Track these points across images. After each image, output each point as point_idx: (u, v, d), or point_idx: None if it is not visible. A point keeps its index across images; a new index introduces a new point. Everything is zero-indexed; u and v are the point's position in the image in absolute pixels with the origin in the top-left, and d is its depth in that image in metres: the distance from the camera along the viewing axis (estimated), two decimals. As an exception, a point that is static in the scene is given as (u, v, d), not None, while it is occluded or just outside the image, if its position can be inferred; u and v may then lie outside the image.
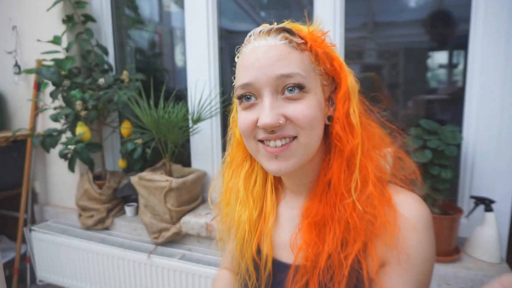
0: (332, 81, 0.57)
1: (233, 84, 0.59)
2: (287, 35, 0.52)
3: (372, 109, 0.59)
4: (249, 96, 0.53)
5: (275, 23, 0.55)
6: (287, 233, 0.61)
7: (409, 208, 0.53)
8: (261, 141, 0.53)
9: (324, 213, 0.54)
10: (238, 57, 0.57)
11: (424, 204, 0.55)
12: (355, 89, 0.56)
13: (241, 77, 0.53)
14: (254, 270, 0.64)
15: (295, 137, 0.52)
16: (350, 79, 0.55)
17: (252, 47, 0.53)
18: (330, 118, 0.57)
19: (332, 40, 0.57)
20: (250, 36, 0.55)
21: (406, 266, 0.51)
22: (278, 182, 0.68)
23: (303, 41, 0.52)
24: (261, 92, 0.51)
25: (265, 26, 0.54)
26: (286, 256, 0.60)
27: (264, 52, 0.51)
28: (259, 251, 0.64)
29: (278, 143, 0.51)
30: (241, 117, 0.54)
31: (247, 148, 0.58)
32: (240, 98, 0.54)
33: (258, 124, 0.51)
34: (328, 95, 0.57)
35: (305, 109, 0.51)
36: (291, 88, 0.50)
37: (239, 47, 0.57)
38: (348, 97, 0.55)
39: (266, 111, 0.50)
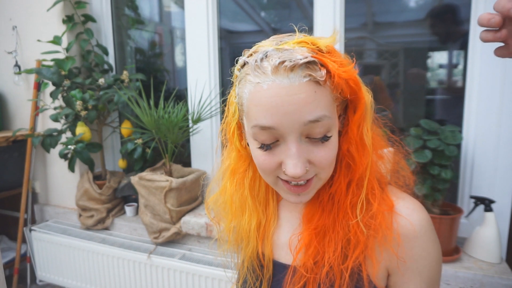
0: (345, 98, 0.53)
1: (231, 97, 0.56)
2: (311, 72, 0.45)
3: (376, 116, 0.58)
4: (270, 145, 0.49)
5: (288, 41, 0.49)
6: (287, 234, 0.61)
7: (410, 214, 0.53)
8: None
9: (325, 223, 0.54)
10: (239, 70, 0.52)
11: (423, 208, 0.55)
12: (371, 110, 0.53)
13: (261, 118, 0.47)
14: (256, 271, 0.64)
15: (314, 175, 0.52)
16: (368, 99, 0.52)
17: (271, 84, 0.45)
18: (340, 133, 0.55)
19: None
20: (262, 60, 0.47)
21: (411, 274, 0.53)
22: None
23: (325, 71, 0.47)
24: (285, 137, 0.48)
25: (281, 51, 0.47)
26: (285, 257, 0.61)
27: (289, 95, 0.45)
28: (262, 253, 0.65)
29: (301, 182, 0.51)
30: (261, 158, 0.51)
31: (264, 179, 0.56)
32: (257, 139, 0.50)
33: (285, 172, 0.49)
34: (340, 112, 0.53)
35: (328, 153, 0.49)
36: (318, 137, 0.48)
37: (238, 59, 0.52)
38: (364, 118, 0.52)
39: (293, 161, 0.47)
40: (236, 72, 0.52)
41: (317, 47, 0.49)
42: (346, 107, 0.55)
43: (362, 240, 0.51)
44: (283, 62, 0.45)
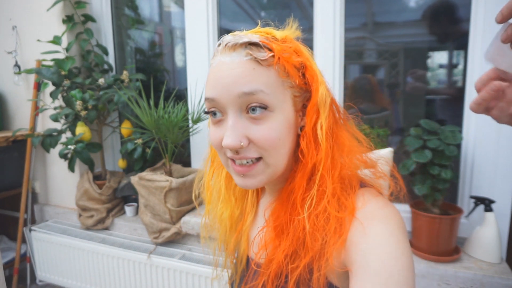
0: (306, 91, 0.54)
1: None
2: (251, 52, 0.49)
3: (347, 119, 0.57)
4: (215, 112, 0.52)
5: (244, 31, 0.53)
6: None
7: (371, 218, 0.48)
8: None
9: (282, 220, 0.54)
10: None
11: (392, 211, 0.50)
12: (325, 101, 0.52)
13: (207, 91, 0.52)
14: (233, 265, 0.67)
15: (260, 158, 0.51)
16: (320, 91, 0.52)
17: (218, 62, 0.51)
18: (302, 129, 0.55)
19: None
20: (219, 45, 0.52)
21: (367, 279, 0.45)
22: None
23: (270, 55, 0.50)
24: (226, 110, 0.51)
25: (234, 36, 0.51)
26: (254, 254, 0.63)
27: (228, 69, 0.49)
28: (237, 247, 0.68)
29: (244, 161, 0.51)
30: (211, 132, 0.54)
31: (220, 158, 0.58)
32: (208, 112, 0.54)
33: (222, 143, 0.51)
34: (302, 104, 0.54)
35: (267, 131, 0.50)
36: (254, 108, 0.49)
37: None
38: (317, 110, 0.52)
39: (228, 132, 0.49)
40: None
41: (272, 35, 0.53)
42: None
43: (310, 239, 0.49)
44: (228, 42, 0.50)
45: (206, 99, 0.53)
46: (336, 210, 0.49)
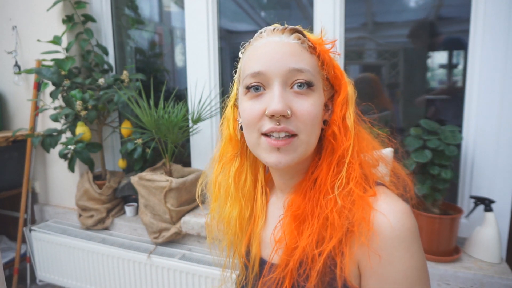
0: (331, 88, 0.59)
1: (233, 78, 0.62)
2: (300, 35, 0.54)
3: (363, 117, 0.61)
4: (258, 87, 0.54)
5: (286, 25, 0.58)
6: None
7: (389, 212, 0.49)
8: (264, 134, 0.54)
9: (305, 208, 0.55)
10: (242, 53, 0.59)
11: (408, 214, 0.50)
12: (352, 98, 0.58)
13: (252, 66, 0.54)
14: (243, 269, 0.66)
15: (295, 135, 0.53)
16: (350, 87, 0.58)
17: (265, 42, 0.55)
18: (325, 123, 0.59)
19: (337, 48, 0.60)
20: (262, 32, 0.57)
21: (377, 280, 0.49)
22: (266, 184, 0.69)
23: (312, 45, 0.55)
24: (271, 82, 0.53)
25: (276, 26, 0.56)
26: (269, 253, 0.61)
27: (278, 47, 0.53)
28: (248, 251, 0.66)
29: (282, 134, 0.52)
30: (248, 107, 0.55)
31: (247, 140, 0.58)
32: (248, 88, 0.55)
33: (266, 112, 0.52)
34: (326, 100, 0.58)
35: (311, 106, 0.53)
36: (300, 84, 0.53)
37: (245, 43, 0.59)
38: (346, 103, 0.57)
39: (276, 99, 0.51)
40: (240, 55, 0.60)
41: (308, 34, 0.58)
42: (333, 101, 0.59)
43: (338, 223, 0.50)
44: (277, 27, 0.56)
45: (250, 74, 0.54)
46: (361, 190, 0.52)
